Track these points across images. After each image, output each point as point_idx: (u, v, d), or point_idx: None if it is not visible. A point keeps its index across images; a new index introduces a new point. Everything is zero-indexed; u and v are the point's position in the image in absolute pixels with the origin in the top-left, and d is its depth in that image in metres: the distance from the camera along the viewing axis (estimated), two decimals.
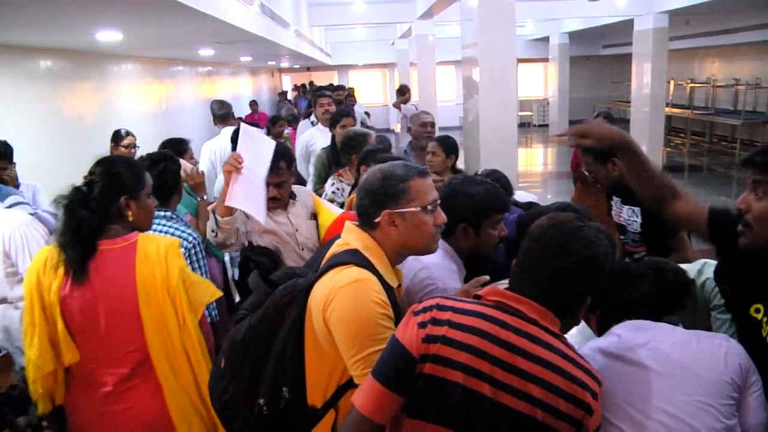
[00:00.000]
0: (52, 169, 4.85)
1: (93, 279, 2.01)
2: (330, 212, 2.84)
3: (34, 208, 3.65)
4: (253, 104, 11.65)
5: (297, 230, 2.74)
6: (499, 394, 1.41)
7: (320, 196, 4.63)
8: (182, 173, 3.06)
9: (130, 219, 2.10)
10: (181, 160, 3.14)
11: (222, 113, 5.67)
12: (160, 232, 2.64)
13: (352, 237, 1.77)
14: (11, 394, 2.41)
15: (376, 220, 1.73)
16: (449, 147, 3.91)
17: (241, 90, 14.91)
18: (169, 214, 2.81)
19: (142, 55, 8.12)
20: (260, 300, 1.80)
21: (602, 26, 13.77)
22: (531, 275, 1.51)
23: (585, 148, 3.03)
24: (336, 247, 1.78)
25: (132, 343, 2.05)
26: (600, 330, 1.87)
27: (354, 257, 1.69)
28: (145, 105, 8.22)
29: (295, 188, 2.87)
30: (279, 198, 2.70)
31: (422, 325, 1.47)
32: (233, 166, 2.39)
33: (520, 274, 1.54)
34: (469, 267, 2.18)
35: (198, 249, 2.73)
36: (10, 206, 3.20)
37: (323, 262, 1.75)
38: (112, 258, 2.04)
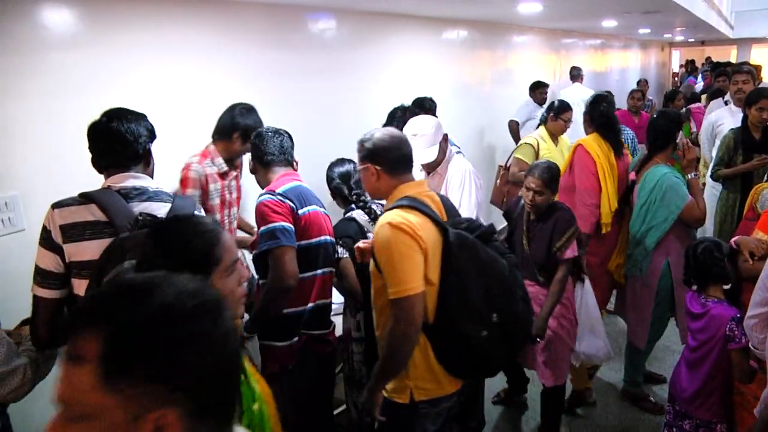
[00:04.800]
0: (458, 125, 5.56)
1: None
2: None
3: None
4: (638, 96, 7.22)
5: None
6: None
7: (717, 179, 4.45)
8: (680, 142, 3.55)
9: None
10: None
11: (574, 74, 8.52)
12: None
13: None
14: None
15: None
16: None
17: (629, 63, 14.44)
18: None
19: (542, 26, 8.48)
20: None
21: None
22: None
23: None
24: None
25: None
26: None
27: None
28: (539, 74, 8.60)
29: None
30: None
31: None
32: None
33: None
34: None
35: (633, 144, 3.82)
36: None
37: None
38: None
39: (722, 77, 7.46)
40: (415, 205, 2.08)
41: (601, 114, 3.97)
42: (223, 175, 3.22)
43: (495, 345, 2.11)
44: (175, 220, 1.43)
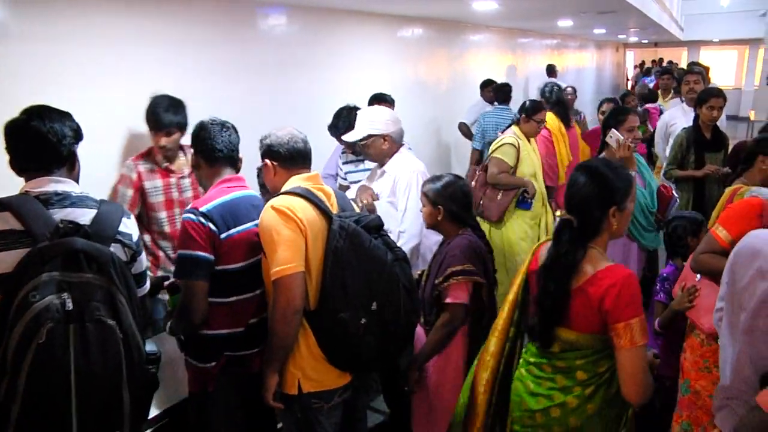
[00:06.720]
0: (410, 124, 5.46)
1: None
2: None
3: None
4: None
5: None
6: None
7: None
8: (614, 144, 3.48)
9: None
10: (615, 131, 3.53)
11: (550, 71, 9.48)
12: None
13: None
14: None
15: None
16: None
17: (585, 63, 14.64)
18: None
19: (499, 25, 8.48)
20: None
21: None
22: None
23: None
24: None
25: None
26: None
27: None
28: (494, 74, 8.60)
29: None
30: None
31: None
32: None
33: None
34: None
35: None
36: None
37: None
38: None
39: (667, 75, 7.60)
40: (301, 192, 2.18)
41: (550, 97, 5.59)
42: (166, 173, 3.14)
43: (374, 334, 2.17)
44: (603, 162, 2.06)
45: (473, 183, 4.47)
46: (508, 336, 2.21)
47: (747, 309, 1.72)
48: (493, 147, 4.48)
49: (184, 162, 3.21)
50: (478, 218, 4.44)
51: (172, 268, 3.05)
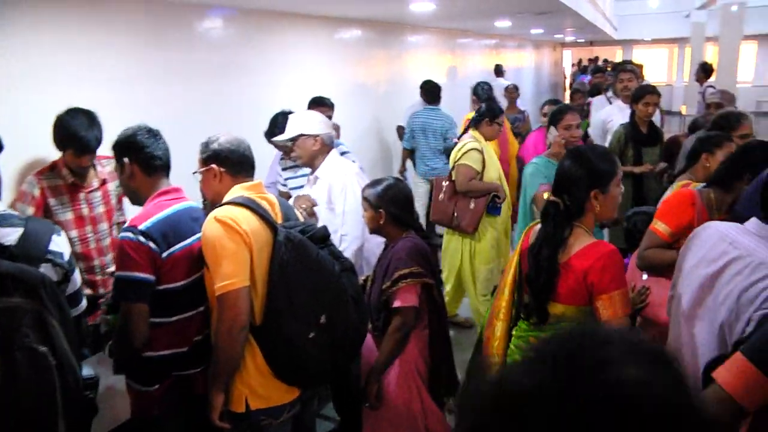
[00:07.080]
0: (351, 127, 5.45)
1: None
2: None
3: None
4: None
5: None
6: None
7: None
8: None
9: None
10: (553, 129, 3.74)
11: (498, 70, 9.94)
12: None
13: None
14: None
15: None
16: None
17: (524, 63, 14.87)
18: None
19: (438, 26, 8.49)
20: None
21: None
22: None
23: None
24: None
25: None
26: None
27: None
28: (434, 75, 8.59)
29: None
30: None
31: None
32: None
33: None
34: None
35: None
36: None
37: None
38: None
39: (599, 74, 7.82)
40: (245, 202, 2.11)
41: (482, 95, 6.00)
42: (73, 188, 2.91)
43: (322, 349, 2.14)
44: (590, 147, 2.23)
45: (441, 196, 4.30)
46: (511, 317, 2.29)
47: (687, 296, 1.76)
48: (456, 154, 4.26)
49: (92, 174, 2.99)
50: (452, 232, 4.36)
51: (88, 291, 2.91)
